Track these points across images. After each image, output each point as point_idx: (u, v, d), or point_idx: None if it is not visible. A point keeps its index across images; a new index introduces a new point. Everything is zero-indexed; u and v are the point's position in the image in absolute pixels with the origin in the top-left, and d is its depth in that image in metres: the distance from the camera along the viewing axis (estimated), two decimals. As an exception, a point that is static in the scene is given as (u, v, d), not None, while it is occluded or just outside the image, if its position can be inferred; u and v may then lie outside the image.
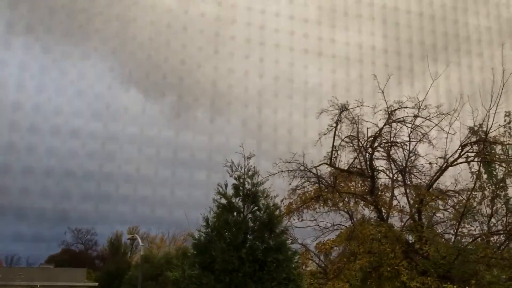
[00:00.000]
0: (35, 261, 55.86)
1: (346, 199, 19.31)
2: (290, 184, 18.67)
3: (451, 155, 17.93)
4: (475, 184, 17.33)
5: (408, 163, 18.86)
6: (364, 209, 19.35)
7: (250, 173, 12.36)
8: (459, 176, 17.95)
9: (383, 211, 18.59)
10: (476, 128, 17.66)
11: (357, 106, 18.06)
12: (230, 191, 12.25)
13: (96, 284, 42.16)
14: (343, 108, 18.05)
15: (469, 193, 17.35)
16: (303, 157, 18.14)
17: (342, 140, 18.58)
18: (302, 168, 18.39)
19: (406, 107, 18.08)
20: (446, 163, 18.08)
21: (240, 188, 12.25)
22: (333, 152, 18.49)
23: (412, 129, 18.40)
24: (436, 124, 17.84)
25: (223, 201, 12.14)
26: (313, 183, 18.95)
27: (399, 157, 19.05)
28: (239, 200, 12.24)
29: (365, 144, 18.78)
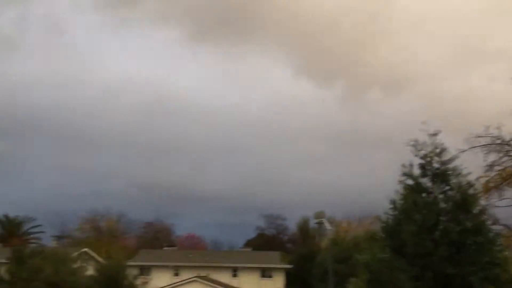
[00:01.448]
0: (234, 244, 61.32)
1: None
2: (485, 160, 17.10)
3: None
4: None
5: None
6: None
7: (438, 150, 11.68)
8: None
9: None
10: None
11: None
12: (416, 171, 11.78)
13: (291, 266, 44.39)
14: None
15: None
16: (499, 129, 16.40)
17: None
18: (498, 141, 16.68)
19: None
20: None
21: (428, 167, 11.68)
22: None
23: None
24: None
25: (410, 181, 11.72)
26: (513, 157, 17.04)
27: None
28: (427, 180, 11.69)
29: None
